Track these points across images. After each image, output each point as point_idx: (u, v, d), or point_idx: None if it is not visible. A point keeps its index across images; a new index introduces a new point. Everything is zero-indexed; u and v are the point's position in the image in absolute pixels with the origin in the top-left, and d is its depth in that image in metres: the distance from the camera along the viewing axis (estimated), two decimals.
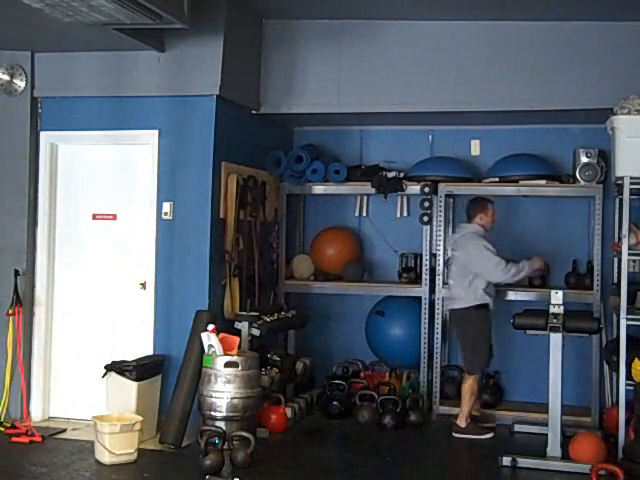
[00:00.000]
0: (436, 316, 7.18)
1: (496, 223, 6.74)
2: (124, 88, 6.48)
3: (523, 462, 5.68)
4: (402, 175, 7.35)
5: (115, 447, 5.51)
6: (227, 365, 5.92)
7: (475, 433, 6.48)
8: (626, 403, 5.81)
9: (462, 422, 6.51)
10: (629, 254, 5.86)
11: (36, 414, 6.62)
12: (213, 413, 5.90)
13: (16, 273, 6.49)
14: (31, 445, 5.97)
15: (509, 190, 7.11)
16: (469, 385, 6.57)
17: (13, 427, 6.24)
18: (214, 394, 5.91)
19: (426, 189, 7.18)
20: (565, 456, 5.75)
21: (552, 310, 5.86)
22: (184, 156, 6.42)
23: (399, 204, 7.79)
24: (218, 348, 5.95)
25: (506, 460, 5.69)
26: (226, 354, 5.98)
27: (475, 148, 7.65)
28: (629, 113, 5.79)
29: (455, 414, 6.66)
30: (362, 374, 7.54)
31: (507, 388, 7.43)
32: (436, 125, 7.64)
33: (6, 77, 6.61)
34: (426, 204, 7.21)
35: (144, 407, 6.03)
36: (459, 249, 6.60)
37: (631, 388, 5.74)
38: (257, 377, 6.12)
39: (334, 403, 6.93)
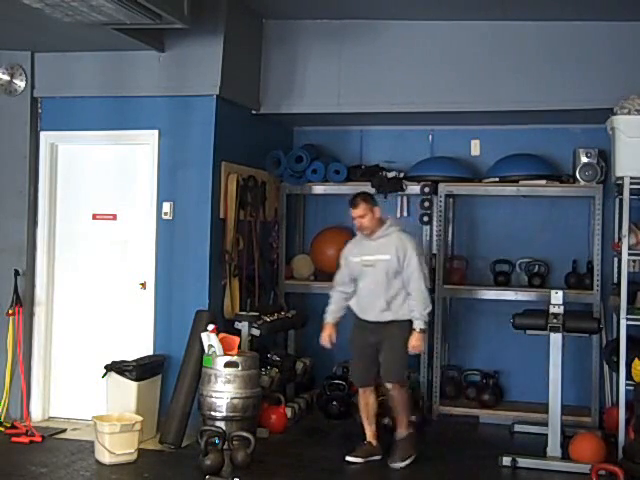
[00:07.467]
0: (436, 316, 7.18)
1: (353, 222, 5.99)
2: (124, 88, 6.48)
3: (523, 462, 5.68)
4: (402, 175, 7.34)
5: (115, 447, 5.51)
6: (227, 365, 5.92)
7: None
8: (626, 403, 5.81)
9: None
10: (629, 254, 5.86)
11: (36, 414, 6.62)
12: (213, 413, 5.90)
13: (16, 273, 6.49)
14: (31, 445, 5.97)
15: (509, 190, 7.10)
16: None
17: (13, 427, 6.24)
18: (214, 394, 5.91)
19: (426, 189, 7.18)
20: (565, 456, 5.75)
21: (552, 310, 5.85)
22: (184, 156, 6.42)
23: (399, 204, 7.78)
24: (218, 348, 5.95)
25: (506, 460, 5.69)
26: (226, 354, 5.98)
27: (475, 148, 7.64)
28: (629, 113, 5.79)
29: (455, 414, 6.63)
30: None
31: (507, 388, 7.41)
32: (436, 125, 7.63)
33: (6, 77, 6.61)
34: (426, 204, 7.21)
35: (144, 407, 6.03)
36: None
37: (631, 388, 5.75)
38: (257, 377, 6.12)
39: (334, 403, 6.93)
